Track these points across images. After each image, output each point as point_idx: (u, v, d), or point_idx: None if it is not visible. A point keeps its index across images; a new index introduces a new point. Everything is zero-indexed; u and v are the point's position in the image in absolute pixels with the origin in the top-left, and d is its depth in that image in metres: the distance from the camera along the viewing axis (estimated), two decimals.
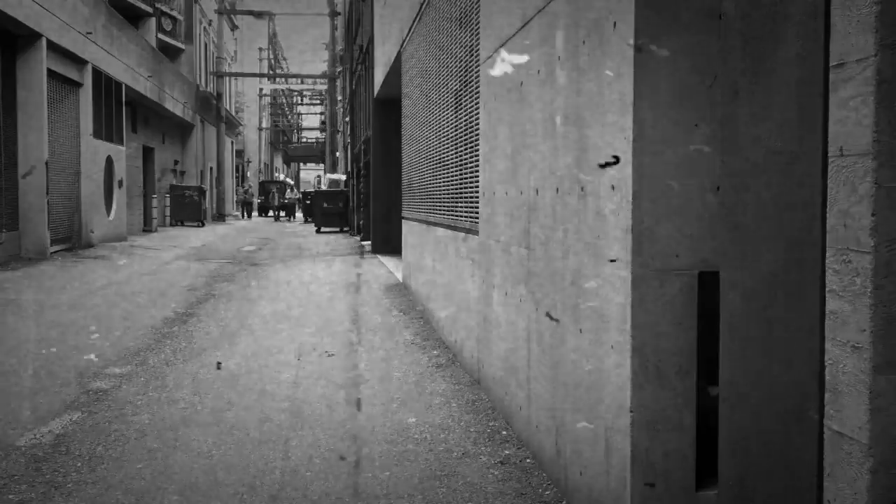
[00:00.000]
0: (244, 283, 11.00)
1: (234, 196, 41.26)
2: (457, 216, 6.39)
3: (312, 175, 53.48)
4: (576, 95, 3.19)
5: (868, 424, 1.60)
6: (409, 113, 10.17)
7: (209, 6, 35.87)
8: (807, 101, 1.82)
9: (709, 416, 2.65)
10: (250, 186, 40.95)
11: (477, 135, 5.41)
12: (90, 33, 16.86)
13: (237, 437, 4.22)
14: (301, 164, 74.09)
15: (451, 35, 6.49)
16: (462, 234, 6.05)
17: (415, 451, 3.99)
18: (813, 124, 1.79)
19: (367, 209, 18.09)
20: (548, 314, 3.56)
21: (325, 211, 24.35)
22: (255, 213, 38.32)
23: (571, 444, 3.30)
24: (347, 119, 29.19)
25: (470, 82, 5.71)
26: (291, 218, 36.82)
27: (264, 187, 40.32)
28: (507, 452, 3.96)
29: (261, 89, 57.42)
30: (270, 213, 38.12)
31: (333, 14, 36.46)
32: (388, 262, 13.85)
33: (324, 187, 28.13)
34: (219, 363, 5.86)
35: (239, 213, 39.22)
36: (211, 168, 35.20)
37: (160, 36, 27.55)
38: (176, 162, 29.63)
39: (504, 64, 4.36)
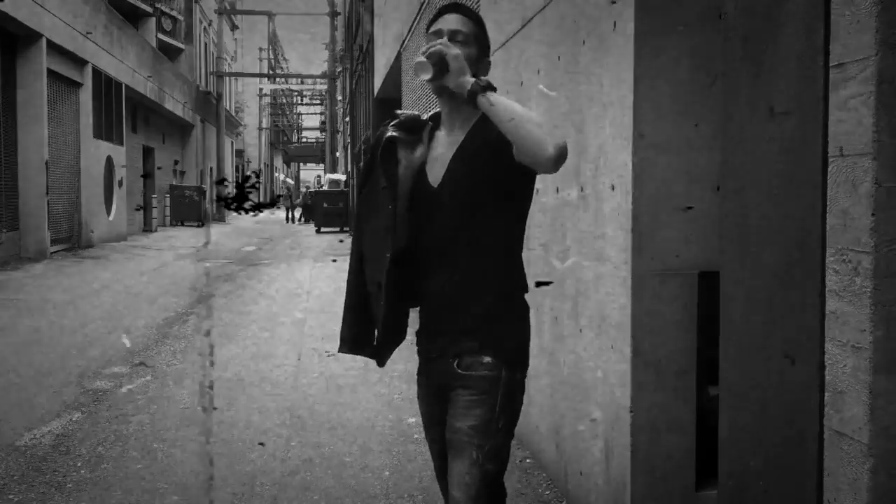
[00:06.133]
0: (244, 283, 11.00)
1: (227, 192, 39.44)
2: None
3: (312, 175, 53.33)
4: (576, 95, 3.19)
5: (868, 424, 1.60)
6: None
7: (209, 6, 35.85)
8: (807, 100, 1.82)
9: (709, 416, 2.65)
10: (289, 188, 37.78)
11: None
12: (90, 33, 16.85)
13: (237, 437, 4.22)
14: (301, 164, 74.08)
15: None
16: None
17: (415, 451, 3.99)
18: (813, 124, 1.79)
19: None
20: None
21: (326, 211, 24.33)
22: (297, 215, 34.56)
23: (571, 444, 3.30)
24: (347, 119, 29.17)
25: None
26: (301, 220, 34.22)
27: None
28: None
29: (261, 89, 57.40)
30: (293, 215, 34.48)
31: (333, 14, 36.44)
32: None
33: (324, 187, 28.06)
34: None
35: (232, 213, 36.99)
36: (211, 168, 35.16)
37: (160, 36, 27.54)
38: (176, 162, 29.61)
39: (504, 63, 4.36)
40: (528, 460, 3.84)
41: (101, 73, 17.84)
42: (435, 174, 1.96)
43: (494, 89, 1.79)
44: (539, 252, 3.73)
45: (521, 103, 4.19)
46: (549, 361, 3.58)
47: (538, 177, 3.26)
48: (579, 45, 3.13)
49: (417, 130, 2.02)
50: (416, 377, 2.14)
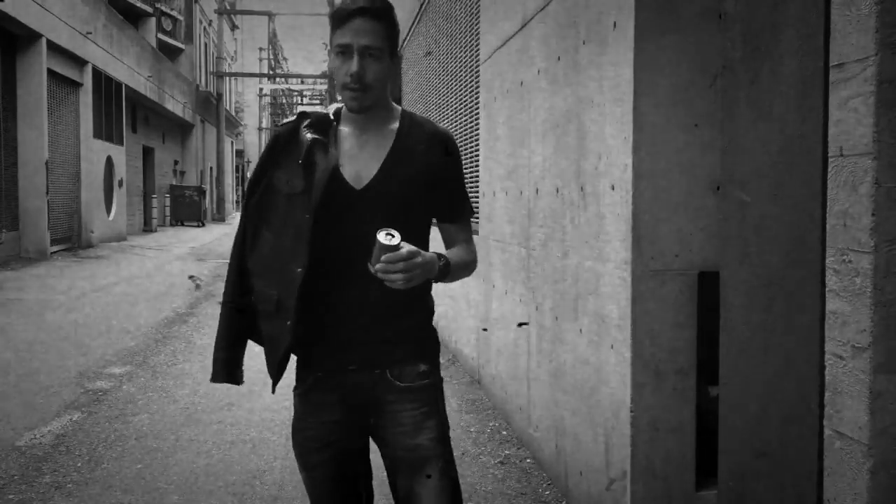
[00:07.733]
0: None
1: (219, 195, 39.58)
2: None
3: None
4: (576, 95, 3.19)
5: (868, 424, 1.60)
6: None
7: (209, 6, 35.86)
8: (807, 101, 1.82)
9: (709, 417, 2.65)
10: None
11: (477, 135, 5.41)
12: (90, 33, 16.85)
13: (237, 436, 4.22)
14: None
15: (451, 35, 6.49)
16: None
17: None
18: (813, 124, 1.79)
19: None
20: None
21: None
22: None
23: (571, 444, 3.30)
24: None
25: (470, 82, 5.71)
26: None
27: None
28: (507, 452, 3.96)
29: (261, 89, 57.39)
30: None
31: None
32: None
33: None
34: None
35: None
36: (211, 168, 35.17)
37: (160, 36, 27.54)
38: (176, 162, 29.61)
39: (504, 64, 4.36)
40: (528, 460, 3.84)
41: (101, 73, 17.84)
42: (355, 175, 1.78)
43: (450, 264, 1.79)
44: (539, 252, 3.73)
45: (521, 103, 4.17)
46: (549, 361, 3.58)
47: (539, 175, 3.27)
48: (579, 45, 3.13)
49: (327, 130, 1.84)
50: (304, 396, 2.03)
